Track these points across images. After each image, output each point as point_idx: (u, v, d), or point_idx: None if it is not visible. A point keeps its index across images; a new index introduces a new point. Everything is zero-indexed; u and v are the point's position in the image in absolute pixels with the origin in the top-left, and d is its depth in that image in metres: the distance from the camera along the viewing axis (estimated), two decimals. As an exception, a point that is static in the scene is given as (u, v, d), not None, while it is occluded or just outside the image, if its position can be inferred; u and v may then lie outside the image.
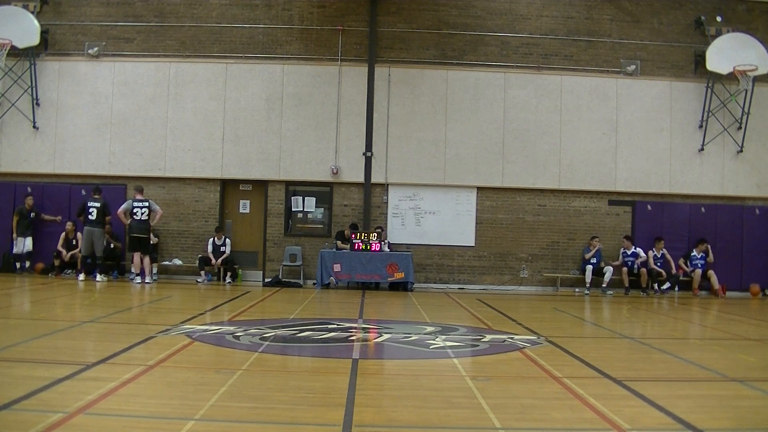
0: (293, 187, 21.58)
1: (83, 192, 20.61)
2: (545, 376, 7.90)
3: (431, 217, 21.53)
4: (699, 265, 20.87)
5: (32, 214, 20.52)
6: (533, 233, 21.59)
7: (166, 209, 20.40)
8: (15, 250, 20.43)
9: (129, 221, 19.00)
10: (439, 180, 21.36)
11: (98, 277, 19.20)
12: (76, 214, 19.71)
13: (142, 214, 18.95)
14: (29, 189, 20.90)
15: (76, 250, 20.25)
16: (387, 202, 21.50)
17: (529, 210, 21.59)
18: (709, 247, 20.89)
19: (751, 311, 17.18)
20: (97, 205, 19.18)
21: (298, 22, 21.55)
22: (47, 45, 21.36)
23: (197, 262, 20.63)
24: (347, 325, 11.85)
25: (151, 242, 19.88)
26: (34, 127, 21.11)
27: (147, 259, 19.22)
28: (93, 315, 12.64)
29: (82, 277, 19.17)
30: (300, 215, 21.71)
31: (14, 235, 20.38)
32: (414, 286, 20.03)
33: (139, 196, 19.16)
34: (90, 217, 19.15)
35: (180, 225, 21.37)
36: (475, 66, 21.56)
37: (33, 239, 20.57)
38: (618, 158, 21.49)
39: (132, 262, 19.36)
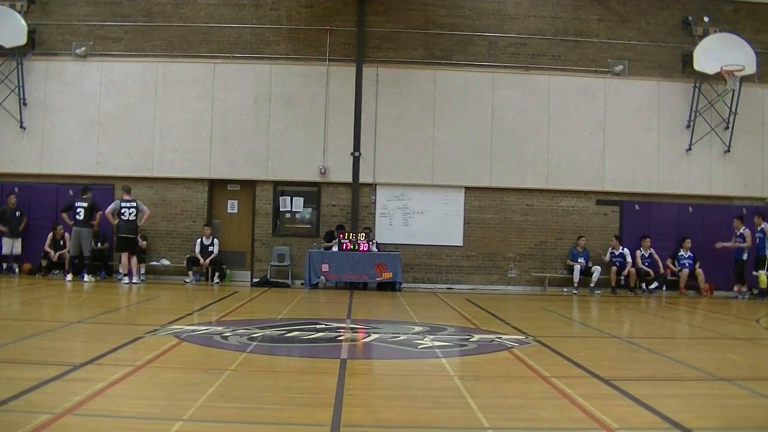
0: (281, 187, 21.56)
1: (71, 192, 20.53)
2: (533, 375, 7.91)
3: (419, 217, 21.54)
4: (686, 264, 20.95)
5: (17, 213, 20.45)
6: (521, 233, 21.63)
7: (153, 209, 20.33)
8: (4, 251, 20.36)
9: (116, 221, 18.97)
10: (427, 180, 21.37)
11: (86, 278, 19.15)
12: (61, 209, 19.68)
13: (130, 214, 18.93)
14: (16, 189, 20.83)
15: (64, 251, 20.23)
16: (375, 202, 21.51)
17: (517, 210, 21.62)
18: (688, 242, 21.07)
19: (738, 310, 17.23)
20: (84, 204, 19.13)
21: (286, 22, 21.53)
22: (34, 45, 21.29)
23: (185, 262, 20.57)
24: (335, 325, 11.84)
25: (140, 245, 19.90)
26: (21, 127, 21.02)
27: (134, 260, 19.18)
28: (81, 316, 12.61)
29: (69, 277, 19.10)
30: (288, 215, 21.69)
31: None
32: (402, 286, 20.04)
33: (126, 197, 19.12)
34: (77, 217, 19.11)
35: (168, 225, 21.32)
36: (463, 66, 21.58)
37: (22, 241, 20.54)
38: (606, 158, 21.55)
39: (120, 263, 19.31)
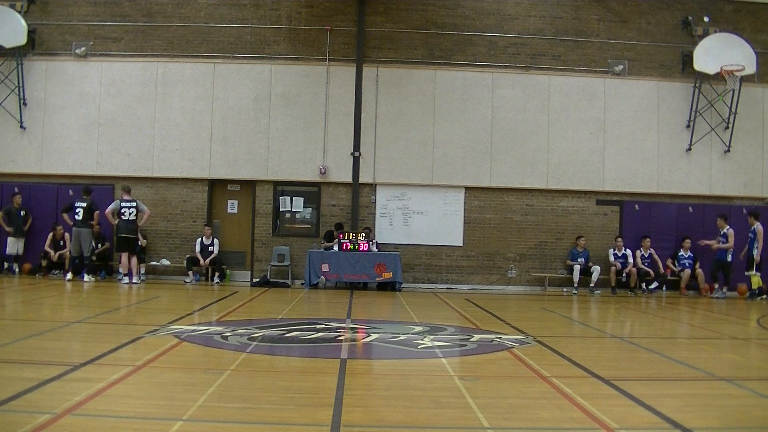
0: (281, 187, 21.56)
1: (71, 192, 20.56)
2: (533, 375, 7.91)
3: (419, 217, 21.54)
4: (686, 264, 20.94)
5: (22, 213, 20.45)
6: (521, 233, 21.63)
7: (153, 209, 20.32)
8: (8, 251, 20.34)
9: (117, 221, 18.97)
10: (427, 180, 21.37)
11: (86, 277, 19.15)
12: (62, 210, 19.69)
13: (130, 214, 18.95)
14: (16, 189, 20.82)
15: (64, 251, 20.25)
16: (375, 202, 21.51)
17: (517, 210, 21.62)
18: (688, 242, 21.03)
19: (739, 310, 17.23)
20: (83, 205, 19.14)
21: (286, 22, 21.53)
22: (34, 45, 21.30)
23: (185, 262, 20.57)
24: (335, 325, 11.84)
25: (140, 244, 19.88)
26: (21, 127, 21.03)
27: (134, 260, 19.19)
28: (81, 316, 12.60)
29: (69, 277, 19.10)
30: (288, 215, 21.69)
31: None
32: (402, 286, 20.04)
33: (126, 197, 19.13)
34: (77, 217, 19.11)
35: (168, 225, 21.32)
36: (463, 66, 21.58)
37: (24, 242, 20.53)
38: (606, 158, 21.55)
39: (120, 263, 19.31)
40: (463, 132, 21.43)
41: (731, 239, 20.10)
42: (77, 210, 19.14)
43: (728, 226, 20.31)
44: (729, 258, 20.21)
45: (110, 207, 19.08)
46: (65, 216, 19.61)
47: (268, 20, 21.52)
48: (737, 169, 21.85)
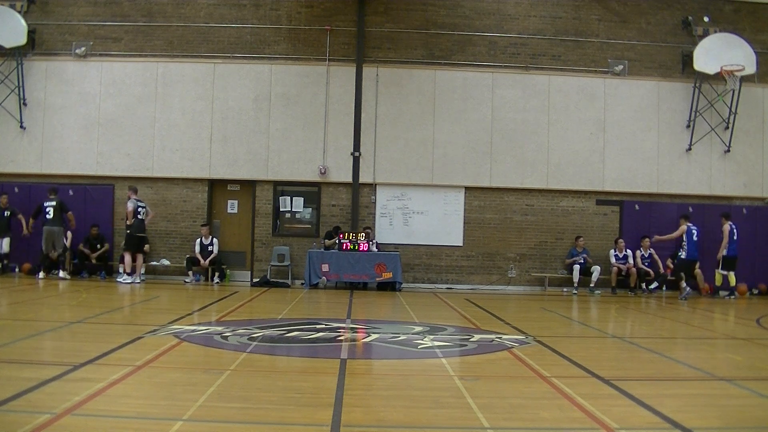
0: (281, 187, 21.56)
1: (71, 192, 20.60)
2: (533, 375, 7.91)
3: (419, 217, 21.53)
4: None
5: (6, 213, 20.29)
6: (521, 233, 21.63)
7: (153, 209, 20.30)
8: None
9: (133, 220, 18.99)
10: (427, 180, 21.36)
11: (61, 273, 19.40)
12: (32, 215, 19.76)
13: (144, 213, 19.16)
14: (16, 189, 20.81)
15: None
16: (375, 202, 21.50)
17: (517, 210, 21.62)
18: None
19: (739, 310, 17.23)
20: (53, 204, 19.25)
21: (286, 22, 21.53)
22: (34, 45, 21.30)
23: (185, 262, 20.56)
24: (335, 325, 11.84)
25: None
26: (21, 127, 21.02)
27: (140, 259, 19.31)
28: (81, 316, 12.58)
29: (41, 275, 19.17)
30: (288, 215, 21.69)
31: None
32: (402, 286, 20.04)
33: (134, 196, 19.22)
34: (47, 216, 19.21)
35: (168, 225, 21.31)
36: (463, 66, 21.58)
37: (10, 240, 20.35)
38: (606, 158, 21.55)
39: (122, 262, 19.34)
40: (463, 132, 21.43)
41: (676, 233, 19.89)
42: (47, 209, 19.27)
43: (686, 225, 20.16)
44: (683, 255, 19.98)
45: (130, 206, 19.05)
46: (31, 220, 19.71)
47: (268, 20, 21.51)
48: (737, 169, 21.85)
